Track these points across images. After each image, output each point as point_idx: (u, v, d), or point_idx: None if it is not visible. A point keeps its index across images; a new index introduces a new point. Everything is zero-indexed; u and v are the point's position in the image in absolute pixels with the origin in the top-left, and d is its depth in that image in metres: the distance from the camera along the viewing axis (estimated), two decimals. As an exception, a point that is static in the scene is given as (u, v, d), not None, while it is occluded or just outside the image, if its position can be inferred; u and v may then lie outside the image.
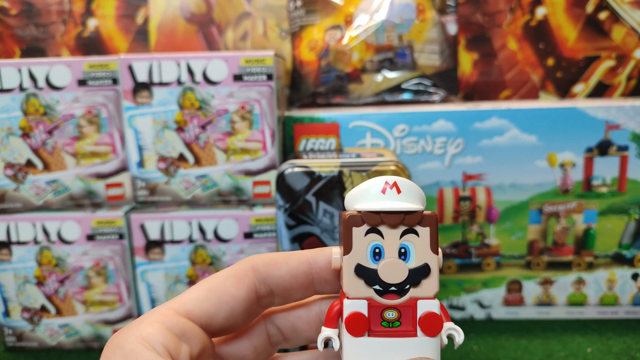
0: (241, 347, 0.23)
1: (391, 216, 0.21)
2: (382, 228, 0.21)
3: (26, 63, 0.43)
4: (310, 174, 0.36)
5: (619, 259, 0.48)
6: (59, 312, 0.46)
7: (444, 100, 0.55)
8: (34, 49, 0.59)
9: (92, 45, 0.59)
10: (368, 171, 0.36)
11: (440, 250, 0.21)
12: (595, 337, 0.46)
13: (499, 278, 0.49)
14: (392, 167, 0.36)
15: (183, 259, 0.45)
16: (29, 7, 0.58)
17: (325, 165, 0.37)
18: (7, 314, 0.46)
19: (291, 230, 0.37)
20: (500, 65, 0.58)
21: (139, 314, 0.46)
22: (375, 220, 0.21)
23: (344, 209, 0.22)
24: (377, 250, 0.21)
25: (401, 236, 0.21)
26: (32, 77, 0.43)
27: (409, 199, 0.21)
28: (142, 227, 0.44)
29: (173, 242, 0.45)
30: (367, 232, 0.21)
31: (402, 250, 0.21)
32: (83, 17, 0.59)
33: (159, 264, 0.45)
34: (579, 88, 0.58)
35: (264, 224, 0.44)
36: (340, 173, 0.36)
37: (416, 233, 0.21)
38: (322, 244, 0.37)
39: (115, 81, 0.44)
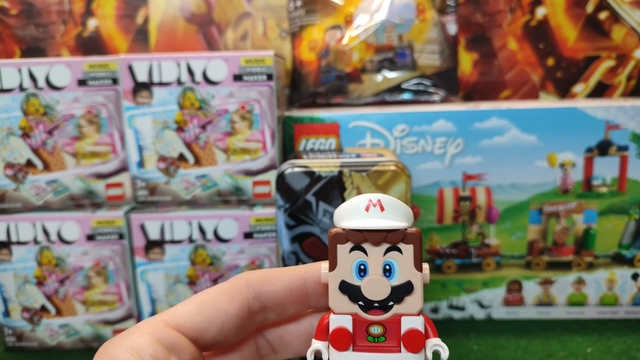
0: (229, 358, 0.24)
1: (373, 234, 0.21)
2: (365, 245, 0.21)
3: (26, 63, 0.43)
4: (310, 174, 0.36)
5: (619, 259, 0.48)
6: (59, 312, 0.46)
7: (444, 100, 0.55)
8: (34, 49, 0.59)
9: (92, 45, 0.59)
10: (368, 171, 0.36)
11: (426, 266, 0.22)
12: (595, 337, 0.46)
13: (499, 278, 0.49)
14: (392, 167, 0.36)
15: (183, 259, 0.45)
16: (29, 7, 0.58)
17: (325, 165, 0.37)
18: (7, 314, 0.46)
19: (291, 230, 0.37)
20: (500, 65, 0.58)
21: (139, 314, 0.46)
22: (359, 238, 0.21)
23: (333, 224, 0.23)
24: (361, 267, 0.21)
25: (385, 253, 0.21)
26: (32, 77, 0.43)
27: (392, 217, 0.21)
28: (142, 227, 0.44)
29: (173, 242, 0.45)
30: (352, 249, 0.21)
31: (387, 267, 0.21)
32: (83, 17, 0.59)
33: (159, 264, 0.45)
34: (579, 88, 0.58)
35: (264, 224, 0.44)
36: (340, 173, 0.36)
37: (399, 250, 0.21)
38: (322, 243, 0.37)
39: (115, 81, 0.44)
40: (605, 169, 0.47)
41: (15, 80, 0.43)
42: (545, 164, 0.47)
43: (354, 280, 0.21)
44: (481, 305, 0.50)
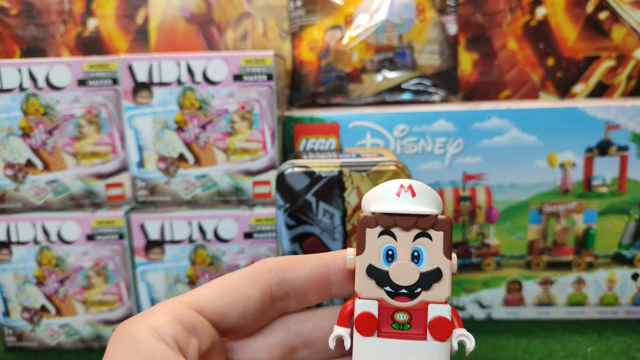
0: (254, 344, 0.23)
1: (404, 219, 0.21)
2: (395, 230, 0.21)
3: (26, 63, 0.43)
4: (310, 174, 0.36)
5: (619, 259, 0.48)
6: (59, 312, 0.46)
7: (444, 100, 0.55)
8: (34, 49, 0.59)
9: (92, 45, 0.59)
10: (368, 171, 0.36)
11: (454, 255, 0.21)
12: (595, 337, 0.46)
13: (499, 278, 0.49)
14: (392, 167, 0.36)
15: (183, 259, 0.45)
16: (29, 7, 0.58)
17: (325, 165, 0.37)
18: (7, 314, 0.46)
19: (291, 230, 0.37)
20: (500, 65, 0.58)
21: (139, 314, 0.46)
22: (389, 222, 0.21)
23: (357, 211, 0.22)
24: (390, 252, 0.21)
25: (414, 239, 0.21)
26: (32, 77, 0.43)
27: (423, 203, 0.21)
28: (142, 227, 0.44)
29: (173, 242, 0.45)
30: (381, 234, 0.21)
31: (415, 254, 0.21)
32: (83, 17, 0.59)
33: (159, 264, 0.45)
34: (579, 88, 0.58)
35: (264, 224, 0.44)
36: (340, 173, 0.36)
37: (429, 237, 0.21)
38: (322, 243, 0.37)
39: (115, 81, 0.44)
40: (605, 169, 0.47)
41: (15, 80, 0.43)
42: (545, 164, 0.47)
43: (381, 265, 0.21)
44: (481, 305, 0.50)
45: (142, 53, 0.59)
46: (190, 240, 0.45)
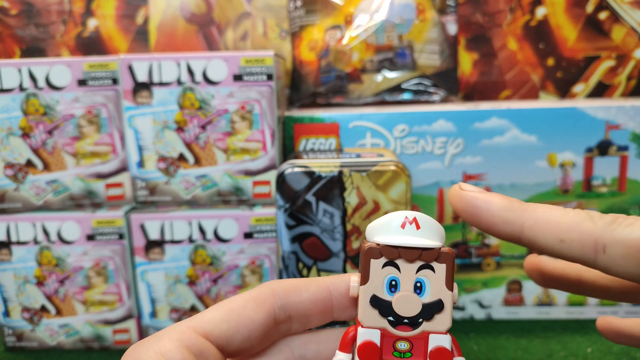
0: None
1: (408, 251, 0.21)
2: (399, 262, 0.21)
3: (26, 63, 0.43)
4: (310, 174, 0.36)
5: (619, 259, 0.48)
6: (59, 312, 0.46)
7: (444, 100, 0.55)
8: (34, 49, 0.59)
9: (92, 45, 0.59)
10: (368, 171, 0.36)
11: (455, 285, 0.22)
12: (595, 337, 0.46)
13: (499, 278, 0.49)
14: (392, 167, 0.36)
15: (183, 259, 0.45)
16: (29, 7, 0.58)
17: (325, 165, 0.37)
18: (7, 314, 0.46)
19: (291, 230, 0.37)
20: (500, 65, 0.58)
21: (139, 314, 0.46)
22: (393, 254, 0.21)
23: (365, 238, 0.23)
24: (393, 283, 0.22)
25: (418, 271, 0.21)
26: (32, 77, 0.43)
27: (427, 235, 0.21)
28: (142, 227, 0.44)
29: (173, 242, 0.45)
30: (385, 265, 0.21)
31: (418, 285, 0.22)
32: (83, 17, 0.59)
33: (159, 264, 0.45)
34: (579, 88, 0.58)
35: (264, 224, 0.44)
36: (340, 173, 0.36)
37: (432, 269, 0.21)
38: (322, 244, 0.37)
39: (115, 81, 0.44)
40: (605, 169, 0.47)
41: (15, 80, 0.43)
42: (545, 164, 0.47)
43: (385, 295, 0.22)
44: (481, 305, 0.50)
45: (142, 53, 0.59)
46: (190, 240, 0.45)
